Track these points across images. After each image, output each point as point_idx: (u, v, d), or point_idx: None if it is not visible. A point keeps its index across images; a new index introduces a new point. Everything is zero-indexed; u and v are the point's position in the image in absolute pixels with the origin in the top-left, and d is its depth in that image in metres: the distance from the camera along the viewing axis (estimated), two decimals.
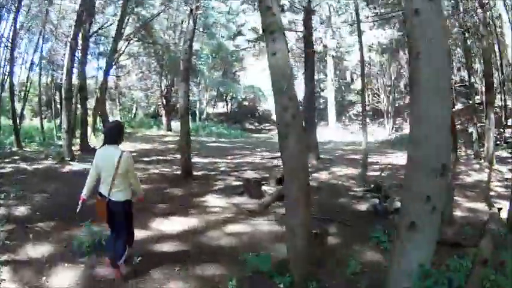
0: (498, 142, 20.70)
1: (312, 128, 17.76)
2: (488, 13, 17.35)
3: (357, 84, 36.99)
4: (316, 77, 38.72)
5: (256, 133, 37.56)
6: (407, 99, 36.60)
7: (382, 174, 13.05)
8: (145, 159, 16.45)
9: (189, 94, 15.54)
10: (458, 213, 9.49)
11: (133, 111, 38.60)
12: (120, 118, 32.66)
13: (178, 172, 13.15)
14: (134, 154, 13.15)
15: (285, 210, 5.95)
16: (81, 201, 5.25)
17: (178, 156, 14.33)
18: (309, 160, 16.77)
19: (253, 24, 27.35)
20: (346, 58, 33.87)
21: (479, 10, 16.30)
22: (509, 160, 17.26)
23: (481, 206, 10.39)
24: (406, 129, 31.23)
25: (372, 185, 11.60)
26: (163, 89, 31.55)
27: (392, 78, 35.07)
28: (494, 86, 21.46)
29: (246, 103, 43.97)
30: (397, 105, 35.84)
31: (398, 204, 8.68)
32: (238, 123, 38.94)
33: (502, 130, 23.44)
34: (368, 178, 13.14)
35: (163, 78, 31.44)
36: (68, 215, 6.93)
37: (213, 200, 10.18)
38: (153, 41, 27.76)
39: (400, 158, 18.39)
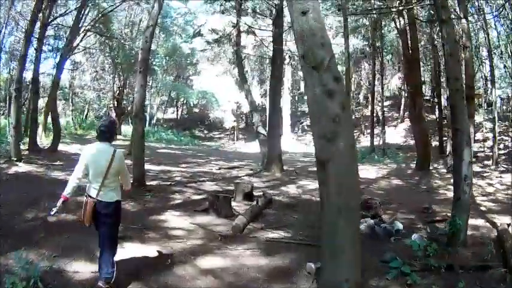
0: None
1: (276, 137, 16.26)
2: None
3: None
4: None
5: (207, 141, 36.62)
6: (366, 111, 36.43)
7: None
8: None
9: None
10: None
11: (85, 112, 36.87)
12: (72, 119, 31.41)
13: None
14: None
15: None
16: (62, 199, 4.63)
17: (129, 161, 12.23)
18: (273, 172, 15.32)
19: (213, 25, 25.73)
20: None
21: (463, 20, 15.71)
22: (484, 174, 17.01)
23: (480, 222, 9.25)
24: (364, 142, 31.73)
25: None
26: (115, 90, 30.29)
27: (353, 89, 34.39)
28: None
29: (196, 110, 42.85)
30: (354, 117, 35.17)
31: (399, 225, 7.97)
32: (188, 130, 37.94)
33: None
34: None
35: (116, 79, 30.20)
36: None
37: (173, 219, 8.42)
38: (109, 35, 26.53)
39: (367, 171, 17.94)
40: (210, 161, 19.32)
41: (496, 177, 16.94)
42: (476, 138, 24.49)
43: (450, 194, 11.80)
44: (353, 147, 3.79)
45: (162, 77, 34.47)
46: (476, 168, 18.14)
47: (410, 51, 17.93)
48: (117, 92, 30.10)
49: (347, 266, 4.21)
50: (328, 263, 4.44)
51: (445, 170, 18.35)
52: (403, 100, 32.90)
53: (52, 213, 4.63)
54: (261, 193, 10.99)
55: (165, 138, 30.83)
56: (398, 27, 19.01)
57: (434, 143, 26.95)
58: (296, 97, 40.26)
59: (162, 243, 6.75)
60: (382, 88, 28.35)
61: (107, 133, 4.77)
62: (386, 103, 34.84)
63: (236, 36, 19.56)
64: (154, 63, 31.34)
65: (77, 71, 33.00)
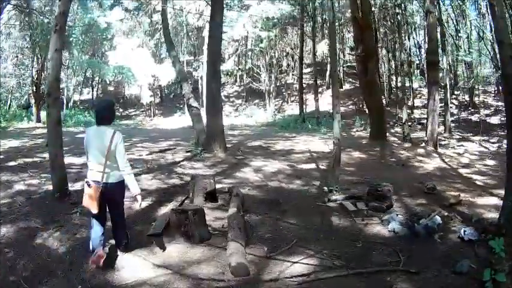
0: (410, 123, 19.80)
1: (217, 110, 13.02)
2: None
3: (228, 65, 33.00)
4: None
5: (124, 119, 33.14)
6: (289, 79, 34.23)
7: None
8: (11, 164, 10.27)
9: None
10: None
11: (8, 102, 32.58)
12: None
13: (49, 187, 7.55)
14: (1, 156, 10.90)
15: None
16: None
17: (47, 156, 8.60)
18: (215, 153, 12.26)
19: None
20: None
21: None
22: (442, 143, 15.91)
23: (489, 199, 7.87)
24: (288, 111, 30.04)
25: (365, 189, 7.91)
26: (34, 74, 27.29)
27: (280, 55, 32.06)
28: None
29: (111, 88, 39.64)
30: (278, 84, 33.20)
31: (438, 219, 6.02)
32: None
33: (410, 111, 22.66)
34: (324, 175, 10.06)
35: (34, 62, 27.36)
36: None
37: (125, 263, 4.77)
38: (27, 5, 23.27)
39: (314, 143, 16.40)
40: (135, 144, 15.59)
41: (458, 146, 16.31)
42: (416, 104, 23.87)
43: (428, 167, 11.92)
44: None
45: (78, 55, 31.16)
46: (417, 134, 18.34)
47: (361, 15, 15.69)
48: (36, 75, 27.15)
49: None
50: None
51: (397, 139, 17.31)
52: (329, 66, 31.17)
53: None
54: (225, 188, 8.15)
55: (83, 121, 27.72)
56: None
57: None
58: None
59: None
60: (314, 54, 26.31)
61: (105, 115, 4.66)
62: (307, 70, 33.17)
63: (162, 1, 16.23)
64: (71, 39, 28.45)
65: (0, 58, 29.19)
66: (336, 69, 10.15)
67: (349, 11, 26.02)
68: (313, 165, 11.80)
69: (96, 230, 4.70)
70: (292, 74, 34.93)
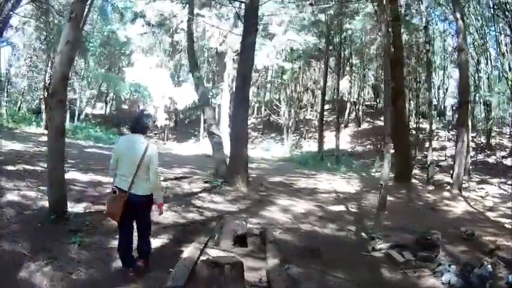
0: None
1: (243, 139, 12.01)
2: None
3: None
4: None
5: None
6: (308, 114, 33.49)
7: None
8: (9, 168, 8.98)
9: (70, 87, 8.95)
10: None
11: (18, 104, 31.94)
12: (6, 111, 26.97)
13: (46, 203, 6.36)
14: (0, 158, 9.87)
15: None
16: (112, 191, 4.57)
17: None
18: (237, 187, 11.22)
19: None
20: None
21: (459, 21, 14.24)
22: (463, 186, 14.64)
23: None
24: (305, 147, 29.20)
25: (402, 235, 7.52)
26: (47, 79, 25.82)
27: (301, 89, 31.53)
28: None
29: (125, 106, 38.60)
30: (296, 119, 32.33)
31: (489, 267, 5.60)
32: (116, 127, 33.27)
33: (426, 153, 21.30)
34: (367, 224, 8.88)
35: (48, 65, 25.82)
36: None
37: None
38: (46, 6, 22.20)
39: (336, 182, 15.45)
40: None
41: (478, 188, 15.72)
42: (433, 146, 23.10)
43: (456, 211, 11.38)
44: None
45: (94, 66, 30.34)
46: (448, 178, 16.91)
47: (393, 50, 14.89)
48: (49, 81, 25.11)
49: None
50: None
51: (419, 182, 16.38)
52: (348, 104, 30.52)
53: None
54: (253, 230, 7.15)
55: (93, 135, 26.35)
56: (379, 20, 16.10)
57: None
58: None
59: None
60: (338, 89, 25.46)
61: (139, 124, 4.67)
62: (326, 106, 32.43)
63: (188, 20, 15.09)
64: (88, 47, 27.86)
65: (14, 57, 29.21)
66: (389, 104, 9.20)
67: (374, 47, 26.02)
68: (342, 207, 10.77)
69: (121, 244, 4.71)
70: (311, 110, 34.18)
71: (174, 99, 30.20)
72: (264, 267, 5.33)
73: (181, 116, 37.34)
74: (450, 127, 25.38)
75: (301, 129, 31.76)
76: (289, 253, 6.20)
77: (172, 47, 31.79)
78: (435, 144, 23.46)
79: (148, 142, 4.56)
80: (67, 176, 7.47)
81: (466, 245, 7.38)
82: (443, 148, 22.42)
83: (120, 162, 4.55)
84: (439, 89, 27.48)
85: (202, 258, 5.16)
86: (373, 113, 31.86)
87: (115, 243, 5.11)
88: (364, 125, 30.82)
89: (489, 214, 11.10)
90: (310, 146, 28.93)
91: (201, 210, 8.48)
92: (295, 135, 31.06)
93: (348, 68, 29.83)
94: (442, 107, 30.22)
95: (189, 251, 5.42)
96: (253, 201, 10.29)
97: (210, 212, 8.42)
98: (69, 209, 6.42)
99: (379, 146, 25.94)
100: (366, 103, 32.17)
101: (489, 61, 23.76)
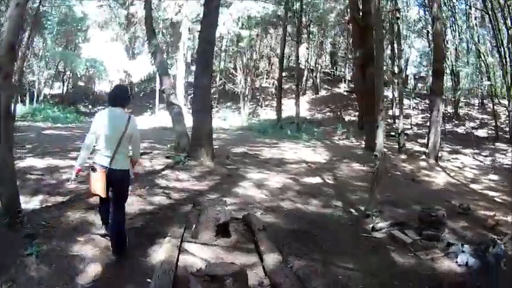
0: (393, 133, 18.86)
1: (206, 109, 10.74)
2: None
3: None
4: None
5: (92, 117, 29.28)
6: (264, 82, 32.57)
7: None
8: None
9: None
10: None
11: None
12: None
13: None
14: None
15: None
16: (76, 172, 4.49)
17: None
18: (201, 161, 10.11)
19: None
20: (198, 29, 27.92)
21: None
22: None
23: None
24: (262, 115, 28.22)
25: (420, 215, 6.19)
26: None
27: (257, 57, 30.38)
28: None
29: (81, 83, 36.81)
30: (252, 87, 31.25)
31: (502, 246, 5.19)
32: (73, 106, 32.20)
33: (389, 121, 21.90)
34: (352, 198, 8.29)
35: None
36: None
37: None
38: None
39: (305, 152, 14.46)
40: None
41: (452, 159, 15.23)
42: (396, 114, 22.84)
43: (439, 182, 10.88)
44: None
45: (52, 45, 29.17)
46: (416, 147, 17.17)
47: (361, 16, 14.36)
48: None
49: None
50: None
51: (387, 151, 14.93)
52: (306, 71, 29.62)
53: (68, 183, 5.17)
54: (237, 213, 6.11)
55: (51, 116, 25.41)
56: None
57: (347, 117, 25.12)
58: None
59: None
60: (297, 57, 24.38)
61: (119, 98, 4.44)
62: (284, 74, 31.53)
63: None
64: (46, 25, 26.94)
65: None
66: (382, 66, 8.28)
67: (333, 14, 25.15)
68: (318, 179, 9.91)
69: (102, 215, 4.71)
70: (267, 78, 33.09)
71: (129, 72, 29.00)
72: (258, 263, 4.42)
73: (136, 89, 35.58)
74: (413, 96, 25.29)
75: (258, 97, 30.67)
76: (279, 240, 5.22)
77: (128, 20, 30.28)
78: (397, 112, 23.22)
79: (129, 115, 4.38)
80: (23, 163, 7.32)
81: (464, 220, 6.88)
82: (407, 116, 22.05)
83: (100, 138, 4.31)
84: (400, 58, 27.19)
85: (183, 256, 4.06)
86: (330, 80, 31.34)
87: (76, 248, 4.50)
88: (322, 92, 30.21)
89: (474, 186, 10.67)
90: (267, 114, 28.05)
91: (167, 191, 7.34)
92: (251, 103, 30.04)
93: (305, 36, 28.75)
94: (404, 76, 30.08)
95: (165, 249, 4.33)
96: (222, 176, 9.22)
97: (177, 193, 7.31)
98: (24, 205, 5.23)
99: (338, 113, 25.63)
100: (323, 70, 31.37)
101: (457, 33, 23.77)
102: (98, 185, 4.26)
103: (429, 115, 14.71)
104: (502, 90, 22.25)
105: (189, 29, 25.51)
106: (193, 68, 30.34)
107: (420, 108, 24.75)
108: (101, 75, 30.60)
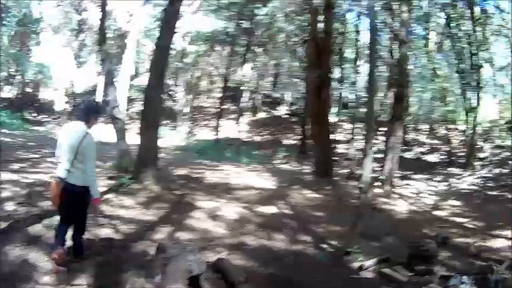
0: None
1: (154, 127, 9.69)
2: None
3: (142, 79, 29.40)
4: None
5: (36, 125, 28.57)
6: (203, 101, 31.56)
7: None
8: None
9: None
10: None
11: None
12: None
13: None
14: None
15: None
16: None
17: None
18: (147, 184, 9.14)
19: None
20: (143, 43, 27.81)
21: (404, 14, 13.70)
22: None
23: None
24: (199, 135, 27.07)
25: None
26: None
27: (201, 74, 29.50)
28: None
29: (29, 89, 34.47)
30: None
31: None
32: (19, 112, 29.95)
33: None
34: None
35: None
36: None
37: None
38: None
39: (249, 176, 13.35)
40: (45, 157, 11.46)
41: (406, 185, 14.49)
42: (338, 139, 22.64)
43: (401, 210, 10.15)
44: None
45: (7, 47, 27.91)
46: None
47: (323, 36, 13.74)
48: None
49: None
50: None
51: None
52: (246, 93, 29.10)
53: None
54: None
55: None
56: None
57: (286, 140, 24.68)
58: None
59: None
60: (243, 76, 23.85)
61: (84, 112, 4.46)
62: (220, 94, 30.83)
63: None
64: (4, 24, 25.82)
65: None
66: (373, 93, 7.58)
67: (282, 35, 24.80)
68: (274, 209, 9.03)
69: (61, 228, 4.48)
70: (207, 97, 32.11)
71: (74, 81, 27.89)
72: None
73: (78, 99, 33.37)
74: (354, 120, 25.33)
75: (195, 116, 29.51)
76: None
77: (79, 26, 28.69)
78: (341, 137, 23.11)
79: (87, 132, 4.28)
80: None
81: (446, 250, 6.38)
82: (349, 141, 21.92)
83: (61, 149, 4.37)
84: (342, 81, 27.29)
85: None
86: (270, 102, 30.90)
87: None
88: (261, 114, 29.67)
89: (438, 213, 10.08)
90: (204, 134, 26.94)
91: (114, 221, 6.28)
92: (190, 122, 28.83)
93: (251, 55, 28.28)
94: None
95: None
96: (170, 203, 8.18)
97: (125, 224, 6.27)
98: None
99: (277, 136, 25.16)
100: (263, 92, 30.97)
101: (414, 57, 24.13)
102: (52, 195, 4.33)
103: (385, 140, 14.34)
104: (460, 116, 22.79)
105: (137, 40, 24.52)
106: (134, 82, 29.25)
107: (362, 133, 24.59)
108: (46, 82, 29.48)
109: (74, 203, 4.34)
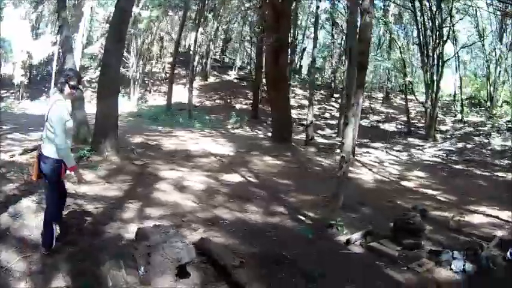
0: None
1: (113, 95, 9.05)
2: None
3: (94, 48, 27.81)
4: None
5: None
6: (154, 67, 30.46)
7: None
8: None
9: None
10: None
11: None
12: None
13: None
14: None
15: None
16: None
17: None
18: (106, 156, 8.64)
19: None
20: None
21: None
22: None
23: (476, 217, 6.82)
24: (151, 101, 26.58)
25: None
26: None
27: (152, 40, 27.97)
28: None
29: None
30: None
31: None
32: None
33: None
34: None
35: None
36: None
37: None
38: None
39: (205, 141, 13.32)
40: (6, 134, 10.57)
41: (364, 153, 14.29)
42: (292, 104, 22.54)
43: (367, 179, 10.08)
44: None
45: None
46: (319, 139, 16.47)
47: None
48: None
49: None
50: None
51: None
52: (197, 57, 28.10)
53: None
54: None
55: None
56: None
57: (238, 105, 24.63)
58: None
59: None
60: (196, 41, 22.95)
61: (59, 82, 4.17)
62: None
63: None
64: None
65: None
66: (354, 62, 7.17)
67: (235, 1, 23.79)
68: (238, 177, 8.79)
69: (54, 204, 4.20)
70: (156, 62, 30.78)
71: (31, 53, 26.08)
72: None
73: (34, 71, 31.41)
74: (307, 86, 24.89)
75: (146, 82, 28.48)
76: (252, 274, 3.85)
77: None
78: (293, 102, 22.90)
79: (54, 103, 3.93)
80: None
81: (427, 224, 6.00)
82: (301, 106, 21.76)
83: None
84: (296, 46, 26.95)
85: None
86: (220, 67, 30.48)
87: None
88: (211, 79, 29.16)
89: (406, 184, 9.90)
90: (155, 100, 26.28)
91: (78, 200, 5.66)
92: (141, 88, 27.78)
93: (202, 20, 27.24)
94: (298, 66, 30.10)
95: None
96: (133, 175, 7.71)
97: (91, 202, 5.68)
98: None
99: (228, 100, 24.93)
100: (213, 57, 30.13)
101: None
102: (33, 166, 4.18)
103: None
104: (418, 87, 22.86)
105: (91, 8, 23.65)
106: (88, 49, 27.97)
107: (316, 99, 24.45)
108: (7, 56, 27.31)
109: (46, 175, 3.98)
